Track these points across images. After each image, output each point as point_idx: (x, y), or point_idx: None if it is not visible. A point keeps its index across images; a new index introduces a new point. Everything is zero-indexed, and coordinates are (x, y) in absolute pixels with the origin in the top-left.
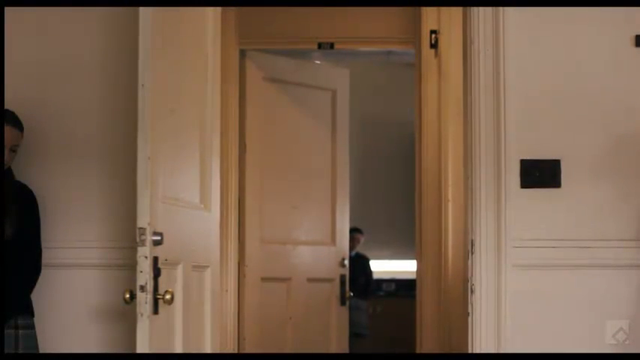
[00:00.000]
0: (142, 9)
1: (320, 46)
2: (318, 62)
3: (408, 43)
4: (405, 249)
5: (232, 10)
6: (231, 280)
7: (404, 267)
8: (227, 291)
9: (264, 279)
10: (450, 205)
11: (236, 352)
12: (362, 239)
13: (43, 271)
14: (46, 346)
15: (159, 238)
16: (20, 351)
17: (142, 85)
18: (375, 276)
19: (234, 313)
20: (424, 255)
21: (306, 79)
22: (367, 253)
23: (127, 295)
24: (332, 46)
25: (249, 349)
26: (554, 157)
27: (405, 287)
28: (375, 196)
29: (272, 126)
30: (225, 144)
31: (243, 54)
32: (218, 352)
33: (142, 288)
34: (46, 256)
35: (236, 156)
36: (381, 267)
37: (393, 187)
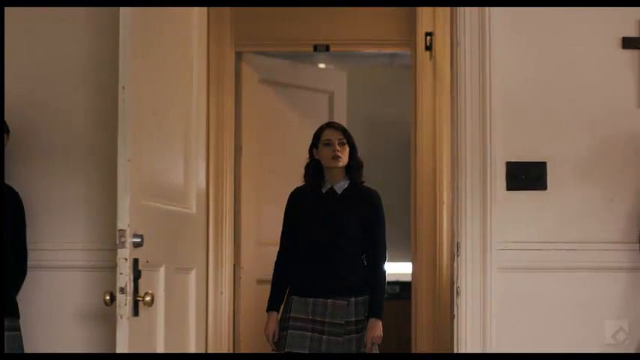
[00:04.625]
0: (122, 9)
1: (316, 48)
2: (322, 65)
3: (403, 46)
4: (409, 251)
5: (228, 13)
6: (226, 283)
7: (408, 269)
8: (222, 293)
9: (259, 281)
10: (444, 207)
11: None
12: None
13: (28, 273)
14: (31, 348)
15: (139, 240)
16: (6, 352)
17: (123, 87)
18: None
19: (229, 315)
20: (419, 257)
21: (303, 82)
22: None
23: (107, 297)
24: (327, 48)
25: (244, 350)
26: (540, 160)
27: (409, 289)
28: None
29: (268, 128)
30: (221, 146)
31: (239, 56)
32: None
33: (122, 290)
34: (31, 258)
35: (232, 158)
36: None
37: (397, 189)
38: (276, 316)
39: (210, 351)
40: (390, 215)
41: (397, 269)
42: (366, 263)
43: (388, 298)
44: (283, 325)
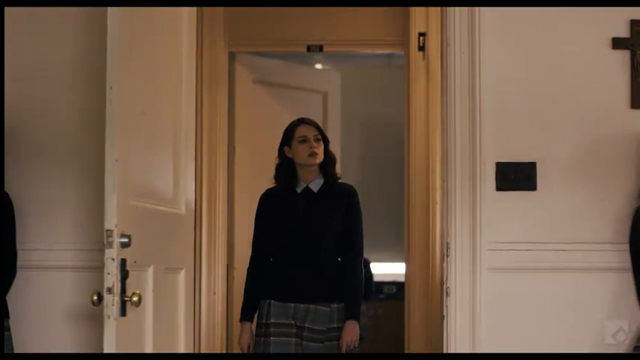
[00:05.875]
0: (110, 9)
1: (309, 48)
2: (319, 66)
3: (397, 46)
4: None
5: (221, 13)
6: (219, 283)
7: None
8: (215, 293)
9: None
10: (437, 207)
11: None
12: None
13: (18, 273)
14: (21, 348)
15: (126, 240)
16: None
17: (110, 87)
18: (376, 278)
19: (222, 315)
20: (412, 257)
21: (297, 82)
22: (368, 256)
23: (95, 297)
24: (321, 48)
25: (237, 351)
26: (529, 160)
27: None
28: (376, 199)
29: (262, 128)
30: (214, 146)
31: (232, 56)
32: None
33: (109, 290)
34: (21, 258)
35: (225, 158)
36: (382, 269)
37: (394, 189)
38: (250, 327)
39: (203, 351)
40: (387, 215)
41: (394, 269)
42: (342, 262)
43: (385, 299)
44: (261, 331)
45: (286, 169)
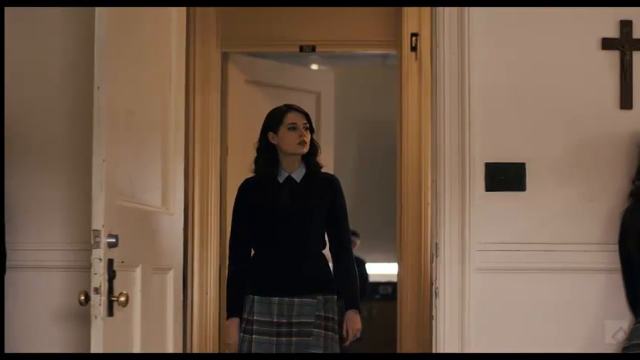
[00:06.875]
0: (98, 9)
1: (302, 48)
2: (314, 66)
3: (389, 46)
4: None
5: (213, 13)
6: (211, 283)
7: None
8: (207, 293)
9: None
10: (429, 208)
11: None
12: (358, 242)
13: (7, 273)
14: (10, 348)
15: (114, 240)
16: None
17: (98, 87)
18: (372, 279)
19: (214, 315)
20: (404, 257)
21: (290, 82)
22: (363, 257)
23: (82, 297)
24: (314, 48)
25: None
26: (518, 161)
27: None
28: (371, 199)
29: (255, 128)
30: (207, 147)
31: (225, 57)
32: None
33: (96, 290)
34: (10, 258)
35: (217, 159)
36: (378, 270)
37: (390, 189)
38: (238, 323)
39: (194, 351)
40: (383, 216)
41: (390, 270)
42: (332, 253)
43: (380, 299)
44: (243, 327)
45: (268, 157)
